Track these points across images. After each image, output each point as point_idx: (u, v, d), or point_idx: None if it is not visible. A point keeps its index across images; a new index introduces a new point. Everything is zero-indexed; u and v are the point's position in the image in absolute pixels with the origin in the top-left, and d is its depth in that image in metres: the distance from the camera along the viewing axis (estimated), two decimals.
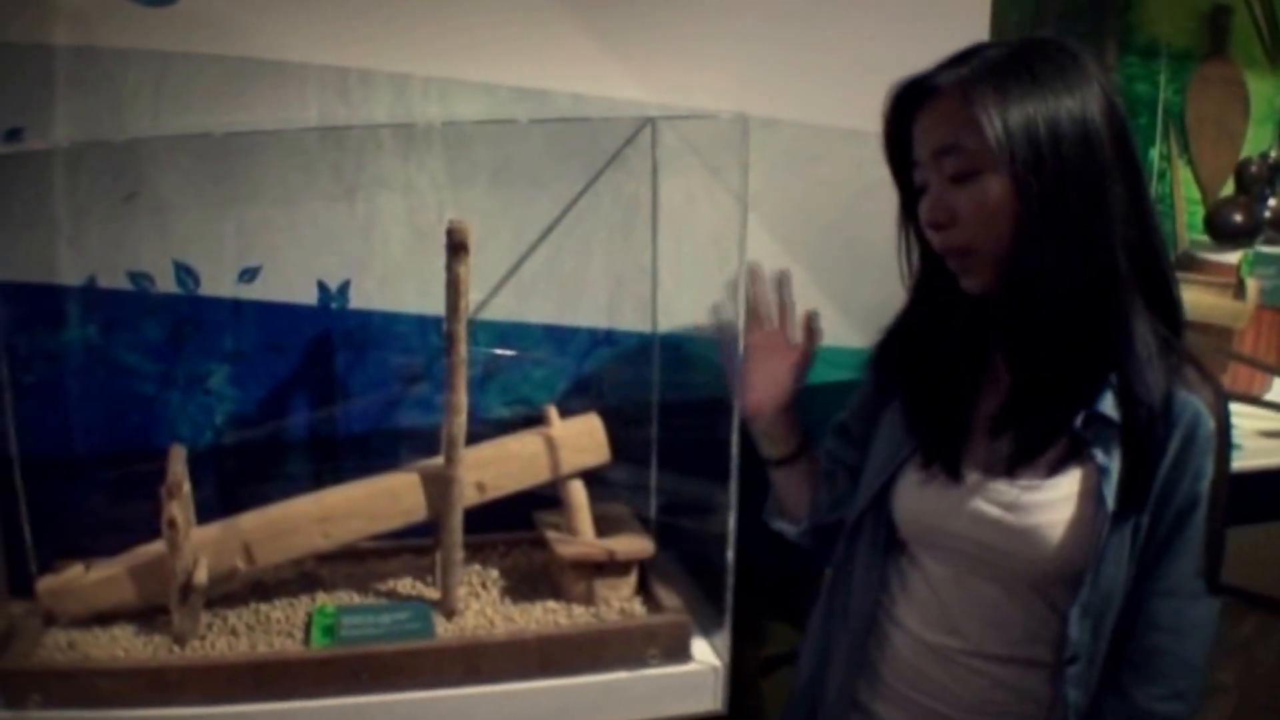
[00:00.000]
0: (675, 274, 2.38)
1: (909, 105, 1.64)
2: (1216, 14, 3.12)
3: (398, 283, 2.30)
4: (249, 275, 2.26)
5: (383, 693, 1.92)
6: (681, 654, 2.02)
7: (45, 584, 2.02)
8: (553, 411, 2.21)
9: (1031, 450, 1.60)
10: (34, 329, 2.22)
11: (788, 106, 2.39)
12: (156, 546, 1.98)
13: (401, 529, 2.10)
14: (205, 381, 2.28)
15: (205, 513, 2.06)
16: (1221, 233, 2.96)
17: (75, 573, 2.03)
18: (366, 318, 2.31)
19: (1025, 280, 1.53)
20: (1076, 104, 1.52)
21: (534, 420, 2.23)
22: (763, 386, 2.01)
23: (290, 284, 2.28)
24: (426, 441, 2.11)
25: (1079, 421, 1.57)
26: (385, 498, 2.06)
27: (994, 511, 1.62)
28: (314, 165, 2.25)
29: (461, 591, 2.10)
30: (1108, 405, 1.55)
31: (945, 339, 1.72)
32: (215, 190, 2.24)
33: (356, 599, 2.14)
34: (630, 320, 2.42)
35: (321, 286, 2.29)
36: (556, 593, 2.13)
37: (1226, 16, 3.12)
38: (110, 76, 2.17)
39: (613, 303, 2.42)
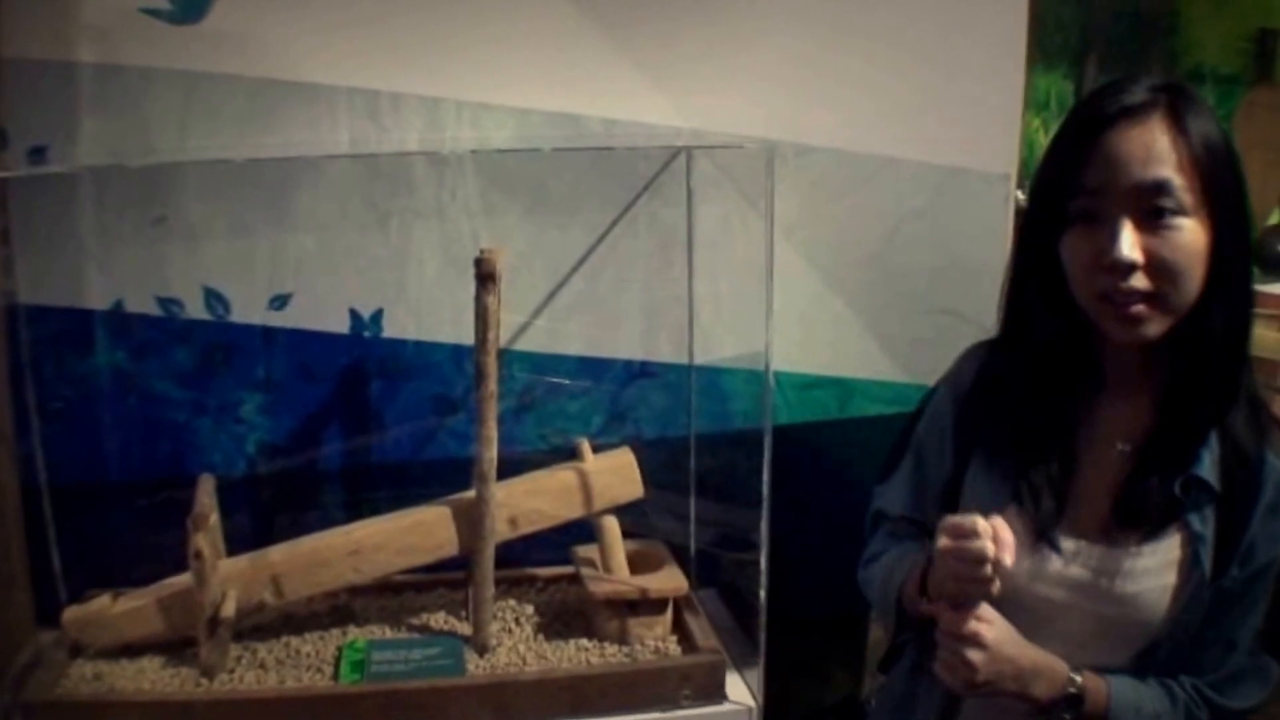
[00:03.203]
0: (712, 304, 2.36)
1: (1093, 125, 1.46)
2: (1264, 38, 3.09)
3: (431, 312, 2.28)
4: (280, 302, 2.24)
5: None
6: (716, 694, 1.99)
7: (71, 614, 2.01)
8: (586, 446, 2.19)
9: (1144, 516, 1.51)
10: (61, 353, 2.21)
11: (824, 133, 2.36)
12: (185, 578, 1.96)
13: (434, 563, 2.08)
14: (237, 410, 2.26)
15: (236, 542, 2.05)
16: (1268, 262, 2.92)
17: (102, 603, 2.02)
18: (400, 347, 2.29)
19: (1206, 334, 1.46)
20: (1238, 156, 1.47)
21: (568, 454, 2.21)
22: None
23: (322, 312, 2.26)
24: (459, 473, 2.09)
25: (1177, 486, 1.49)
26: (417, 532, 2.04)
27: (1092, 579, 1.53)
28: (346, 192, 2.24)
29: (494, 627, 2.08)
30: (1206, 469, 1.49)
31: (1050, 392, 1.58)
32: (245, 215, 2.23)
33: (388, 633, 2.12)
34: (666, 351, 2.40)
35: (354, 315, 2.27)
36: (590, 630, 2.11)
37: (1274, 41, 3.09)
38: (135, 95, 2.17)
39: (648, 333, 2.40)
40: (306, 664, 2.01)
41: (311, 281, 2.25)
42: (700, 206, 2.31)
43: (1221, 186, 1.42)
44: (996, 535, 1.42)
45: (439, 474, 2.23)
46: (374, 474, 2.33)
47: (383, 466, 2.33)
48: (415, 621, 2.15)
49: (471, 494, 2.03)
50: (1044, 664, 1.51)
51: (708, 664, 1.99)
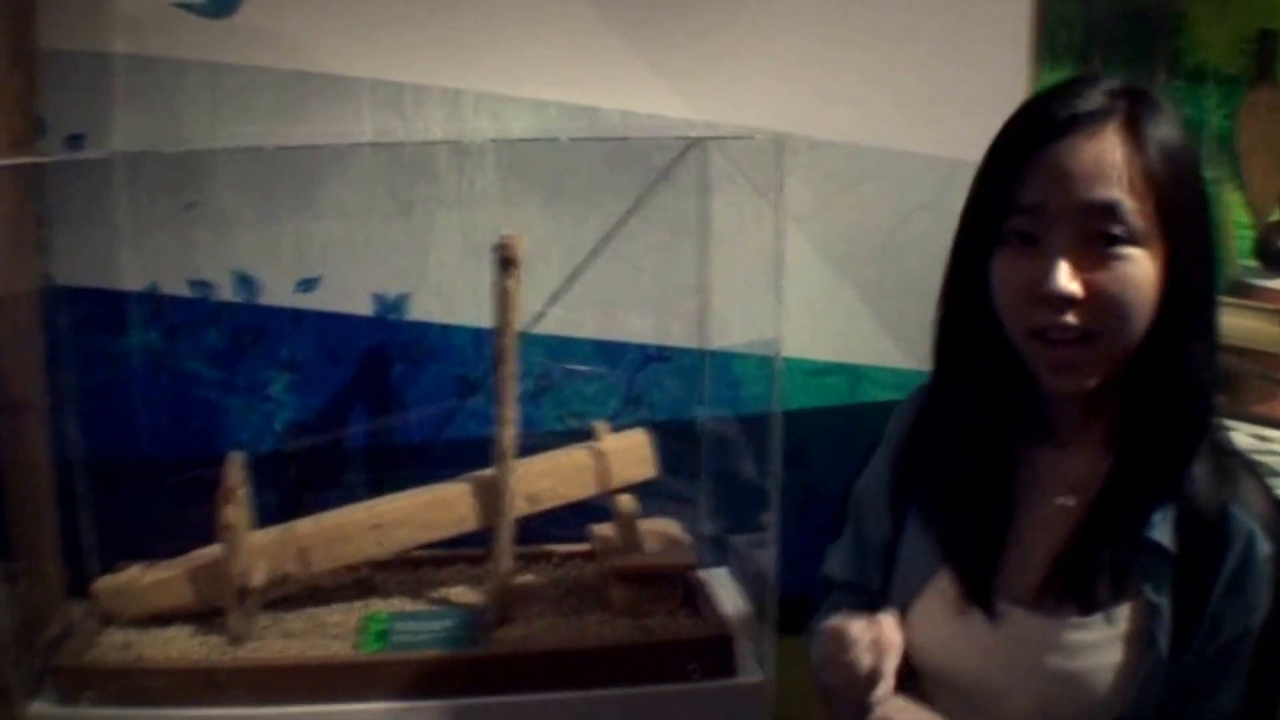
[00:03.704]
0: (724, 291, 2.42)
1: (1038, 133, 1.26)
2: (1265, 38, 3.10)
3: (453, 296, 2.35)
4: (307, 286, 2.31)
5: (434, 698, 1.95)
6: (724, 669, 2.03)
7: (102, 584, 2.08)
8: (602, 427, 2.25)
9: (1087, 583, 1.30)
10: (95, 334, 2.28)
11: (835, 127, 2.41)
12: (214, 550, 2.03)
13: (455, 538, 2.14)
14: (265, 389, 2.33)
15: (264, 518, 2.11)
16: (1272, 259, 2.95)
17: (133, 574, 2.09)
18: (423, 330, 2.36)
19: (1158, 379, 1.28)
20: (1203, 173, 1.30)
21: (585, 435, 2.27)
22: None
23: (348, 295, 2.33)
24: (479, 453, 2.14)
25: (1126, 550, 1.29)
26: (438, 507, 2.11)
27: (1028, 653, 1.32)
28: (371, 180, 2.30)
29: (513, 601, 2.13)
30: (1163, 532, 1.28)
31: (986, 439, 1.39)
32: (274, 202, 2.30)
33: (410, 606, 2.18)
34: (679, 336, 2.45)
35: (378, 298, 2.33)
36: (604, 605, 2.16)
37: (1275, 41, 3.11)
38: (168, 86, 2.24)
39: (662, 319, 2.45)
40: (332, 633, 2.07)
41: (338, 266, 2.32)
42: (713, 197, 2.37)
43: (1180, 210, 1.24)
44: (877, 641, 1.29)
45: (459, 453, 2.27)
46: (397, 452, 2.39)
47: (405, 445, 2.39)
48: (435, 595, 2.21)
49: (491, 471, 2.08)
50: None
51: (717, 638, 2.04)
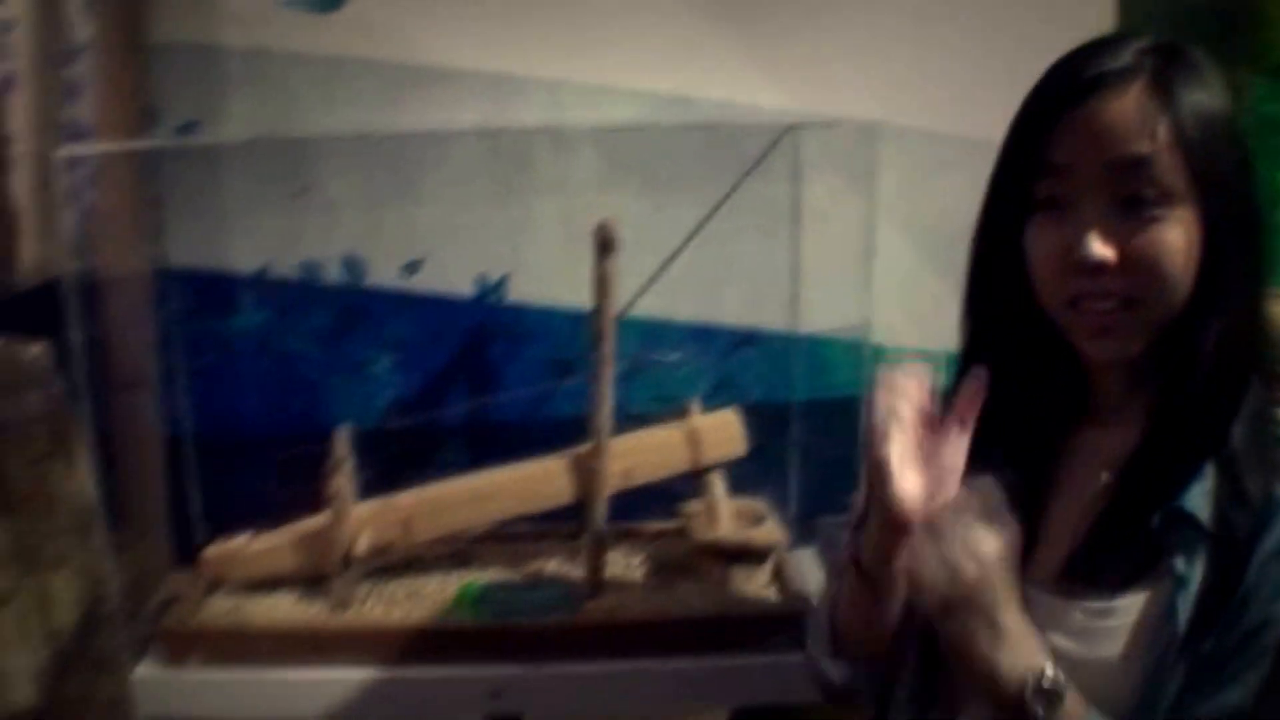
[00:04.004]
0: (816, 276, 2.45)
1: (1066, 93, 1.18)
2: None
3: (552, 279, 2.42)
4: (412, 268, 2.40)
5: (528, 663, 2.02)
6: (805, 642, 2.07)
7: (211, 551, 2.17)
8: (694, 405, 2.31)
9: (1110, 560, 1.20)
10: (207, 314, 2.38)
11: (924, 116, 2.45)
12: (319, 519, 2.12)
13: (549, 511, 2.20)
14: (369, 368, 2.43)
15: (366, 493, 2.18)
16: None
17: (241, 541, 2.18)
18: (522, 312, 2.44)
19: (1196, 347, 1.18)
20: (1243, 134, 1.20)
21: (678, 414, 2.32)
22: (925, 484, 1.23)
23: (450, 277, 2.42)
24: (575, 430, 2.19)
25: (1156, 520, 1.17)
26: (535, 480, 2.18)
27: (1060, 642, 1.20)
28: (473, 167, 2.38)
29: (605, 574, 2.19)
30: (1196, 502, 1.16)
31: (1023, 418, 1.29)
32: (381, 187, 2.39)
33: (505, 577, 2.25)
34: (772, 320, 2.50)
35: (480, 280, 2.42)
36: (693, 579, 2.22)
37: None
38: (278, 77, 2.35)
39: (755, 303, 2.50)
40: (430, 600, 2.14)
41: (441, 249, 2.40)
42: (805, 184, 2.40)
43: (1216, 169, 1.15)
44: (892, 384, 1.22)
45: (555, 431, 2.32)
46: (495, 430, 2.47)
47: (503, 423, 2.47)
48: (530, 568, 2.28)
49: (587, 447, 2.15)
50: (1025, 633, 1.19)
51: (800, 612, 2.08)
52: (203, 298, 2.38)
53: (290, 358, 2.42)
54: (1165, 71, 1.16)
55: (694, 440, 2.25)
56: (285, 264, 2.40)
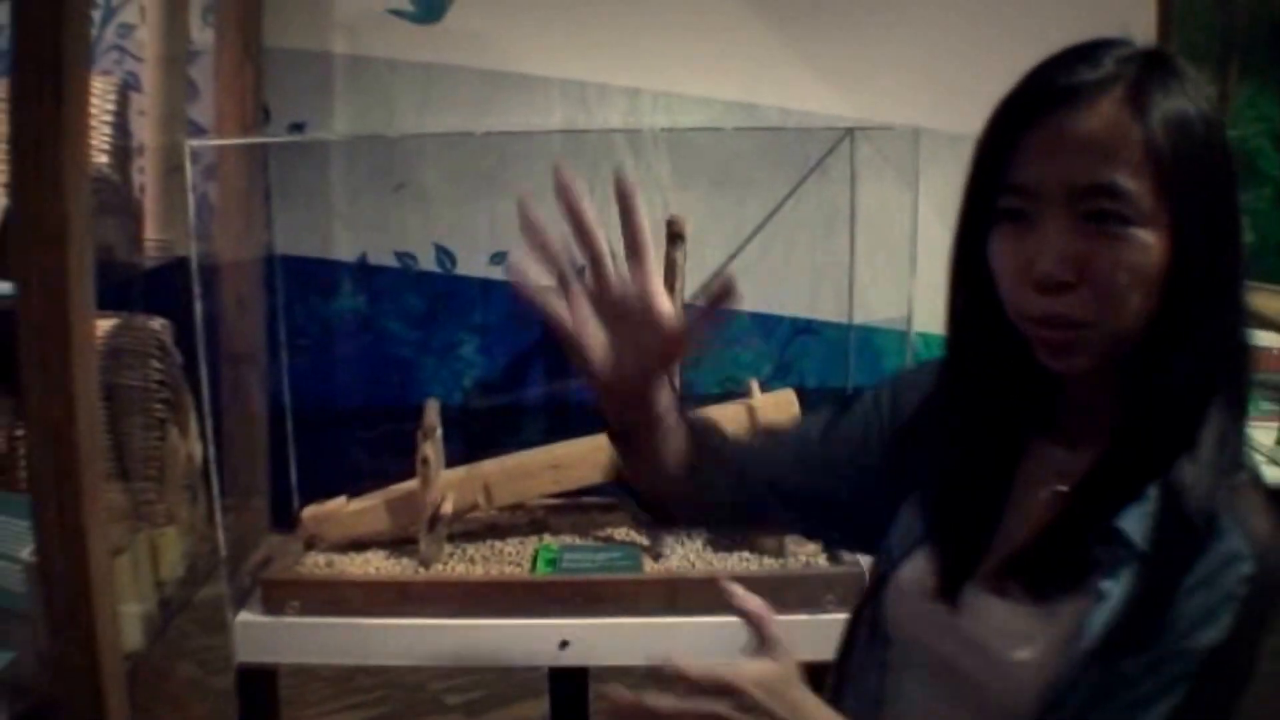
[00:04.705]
0: (870, 271, 2.61)
1: (1035, 104, 1.12)
2: None
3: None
4: (499, 259, 2.59)
5: (594, 616, 2.18)
6: None
7: (309, 511, 2.35)
8: (754, 385, 2.46)
9: (1043, 570, 1.17)
10: (311, 298, 2.59)
11: (971, 120, 2.53)
12: (409, 485, 2.29)
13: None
14: (457, 349, 2.63)
15: (452, 461, 2.35)
16: None
17: (338, 502, 2.36)
18: None
19: (1156, 368, 1.13)
20: (1227, 145, 1.14)
21: (738, 395, 2.46)
22: (618, 355, 1.28)
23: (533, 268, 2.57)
24: None
25: (1091, 537, 1.14)
26: (607, 450, 2.30)
27: (985, 638, 1.19)
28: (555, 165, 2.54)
29: (669, 540, 2.35)
30: (1133, 523, 1.12)
31: (991, 427, 1.26)
32: (471, 184, 2.58)
33: (578, 541, 2.42)
34: (829, 311, 2.66)
35: None
36: (752, 547, 2.36)
37: None
38: (381, 82, 2.55)
39: (813, 295, 2.66)
40: (508, 560, 2.32)
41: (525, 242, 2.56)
42: (860, 185, 2.56)
43: (1190, 185, 1.08)
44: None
45: None
46: (570, 406, 2.65)
47: (579, 402, 2.62)
48: (600, 534, 2.45)
49: None
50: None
51: (850, 574, 2.22)
52: (307, 282, 2.59)
53: (385, 338, 2.62)
54: (1143, 80, 1.09)
55: (754, 416, 2.38)
56: (382, 253, 2.60)
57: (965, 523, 1.25)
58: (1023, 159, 1.11)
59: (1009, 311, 1.16)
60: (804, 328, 2.68)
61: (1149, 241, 1.08)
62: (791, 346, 2.69)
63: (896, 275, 2.42)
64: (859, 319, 2.64)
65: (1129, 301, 1.09)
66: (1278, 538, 1.11)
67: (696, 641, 2.17)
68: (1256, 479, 1.16)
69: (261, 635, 2.20)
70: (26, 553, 1.81)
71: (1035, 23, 2.53)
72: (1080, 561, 1.13)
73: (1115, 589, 1.10)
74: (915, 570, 1.28)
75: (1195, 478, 1.11)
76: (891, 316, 2.53)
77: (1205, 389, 1.14)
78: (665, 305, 1.23)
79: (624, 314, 1.24)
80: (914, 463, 1.35)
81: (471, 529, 2.42)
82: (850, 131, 2.54)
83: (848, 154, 2.56)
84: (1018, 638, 1.16)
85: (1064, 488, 1.19)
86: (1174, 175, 1.07)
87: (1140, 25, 2.57)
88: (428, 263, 2.61)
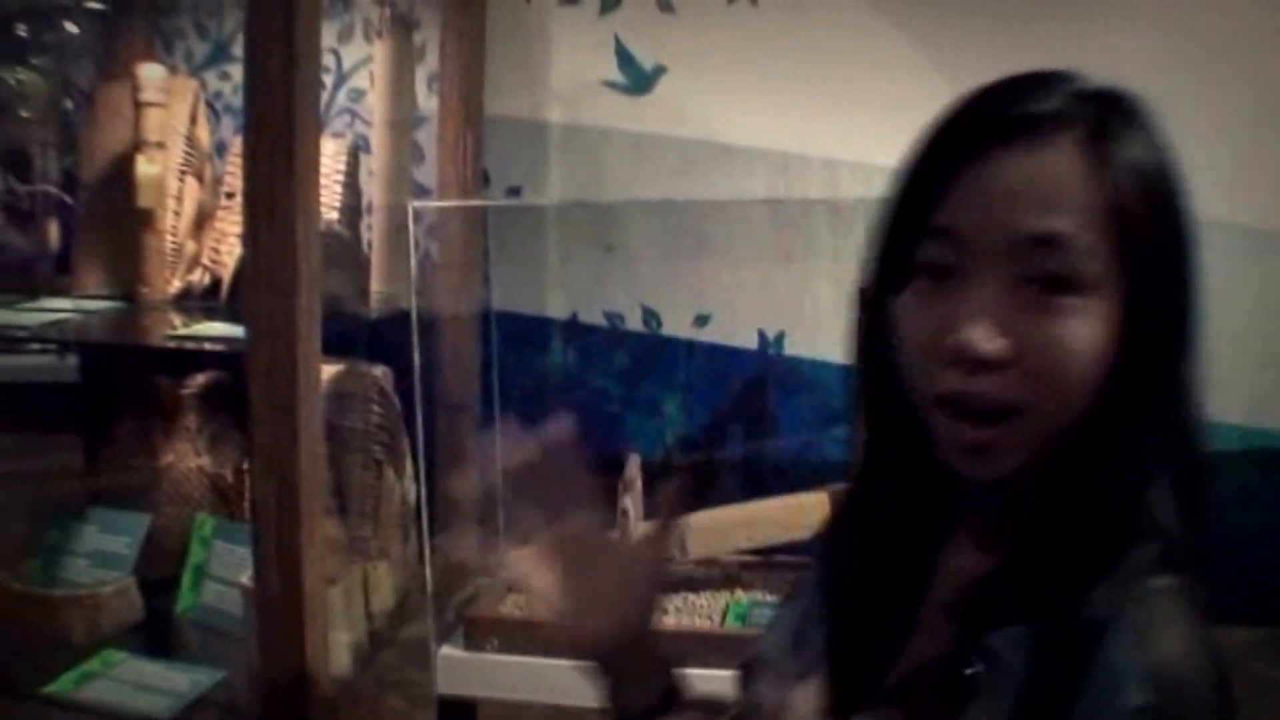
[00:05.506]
0: None
1: (972, 136, 0.90)
2: None
3: (825, 336, 2.64)
4: (702, 321, 2.68)
5: None
6: None
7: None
8: None
9: (918, 697, 0.94)
10: (524, 352, 2.70)
11: None
12: (611, 533, 2.36)
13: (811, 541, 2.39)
14: (660, 406, 2.71)
15: (650, 514, 2.37)
16: None
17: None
18: (797, 364, 2.67)
19: (1087, 464, 0.90)
20: (1190, 205, 0.92)
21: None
22: (603, 603, 1.17)
23: (735, 331, 2.68)
24: (838, 472, 2.39)
25: (968, 657, 0.89)
26: (800, 511, 2.37)
27: None
28: (758, 233, 2.64)
29: None
30: (1013, 645, 0.87)
31: (897, 531, 1.03)
32: (677, 249, 2.66)
33: (768, 598, 2.45)
34: None
35: (761, 335, 2.68)
36: None
37: None
38: (593, 150, 2.67)
39: None
40: (700, 613, 2.37)
41: (728, 305, 2.67)
42: None
43: (1152, 250, 0.88)
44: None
45: (821, 470, 2.53)
46: (766, 466, 2.70)
47: (775, 462, 2.69)
48: (788, 591, 2.47)
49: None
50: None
51: None
52: (520, 337, 2.70)
53: (591, 392, 2.72)
54: (1104, 124, 0.89)
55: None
56: (592, 312, 2.71)
57: (860, 645, 1.02)
58: (955, 199, 0.89)
59: (914, 394, 0.93)
60: None
61: (1099, 315, 0.86)
62: None
63: None
64: None
65: (1069, 388, 0.87)
66: (1191, 661, 0.86)
67: None
68: (1190, 587, 0.89)
69: (462, 670, 2.27)
70: (245, 578, 1.93)
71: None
72: (951, 689, 0.89)
73: (987, 713, 0.87)
74: (809, 688, 1.04)
75: (1103, 603, 0.86)
76: None
77: (1133, 498, 0.90)
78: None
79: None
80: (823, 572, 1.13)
81: (668, 580, 2.46)
82: None
83: None
84: None
85: (953, 598, 0.97)
86: (1137, 239, 0.87)
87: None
88: (634, 322, 2.71)
